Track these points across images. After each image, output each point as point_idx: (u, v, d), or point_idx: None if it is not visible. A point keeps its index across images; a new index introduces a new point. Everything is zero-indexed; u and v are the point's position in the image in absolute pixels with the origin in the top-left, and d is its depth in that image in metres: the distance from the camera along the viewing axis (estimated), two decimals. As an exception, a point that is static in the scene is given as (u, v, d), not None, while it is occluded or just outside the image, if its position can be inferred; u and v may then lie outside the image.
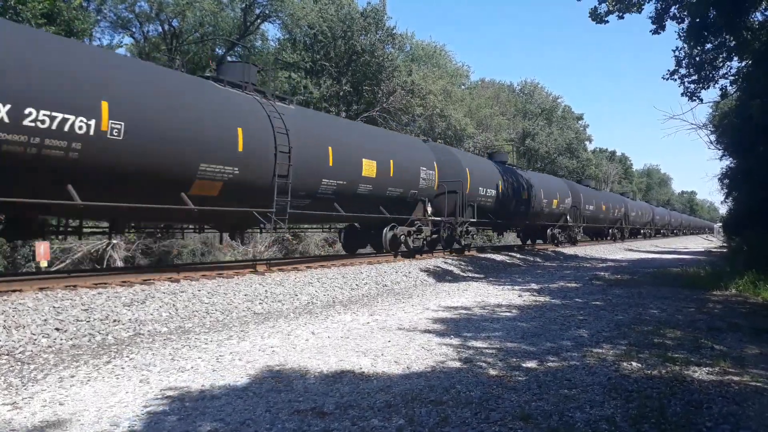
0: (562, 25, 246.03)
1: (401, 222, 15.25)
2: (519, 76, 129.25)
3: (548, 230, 26.67)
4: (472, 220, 17.95)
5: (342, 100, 26.19)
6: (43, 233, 9.16)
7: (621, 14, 14.86)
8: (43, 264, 8.23)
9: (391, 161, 14.09)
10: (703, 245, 45.59)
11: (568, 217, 28.07)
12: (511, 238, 32.50)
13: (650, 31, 15.08)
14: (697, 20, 13.48)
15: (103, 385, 4.72)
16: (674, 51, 15.83)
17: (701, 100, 16.23)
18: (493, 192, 19.63)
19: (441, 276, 14.00)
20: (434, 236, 16.90)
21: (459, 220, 17.32)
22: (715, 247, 37.76)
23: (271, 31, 54.05)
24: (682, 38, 15.35)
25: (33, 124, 6.88)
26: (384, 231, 14.75)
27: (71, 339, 6.14)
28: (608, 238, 38.35)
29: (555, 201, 25.68)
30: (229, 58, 26.61)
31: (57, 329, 6.22)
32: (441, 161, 17.04)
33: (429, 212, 15.74)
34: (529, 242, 27.79)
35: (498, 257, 19.24)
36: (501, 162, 22.78)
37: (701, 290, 11.60)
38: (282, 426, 3.77)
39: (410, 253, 15.75)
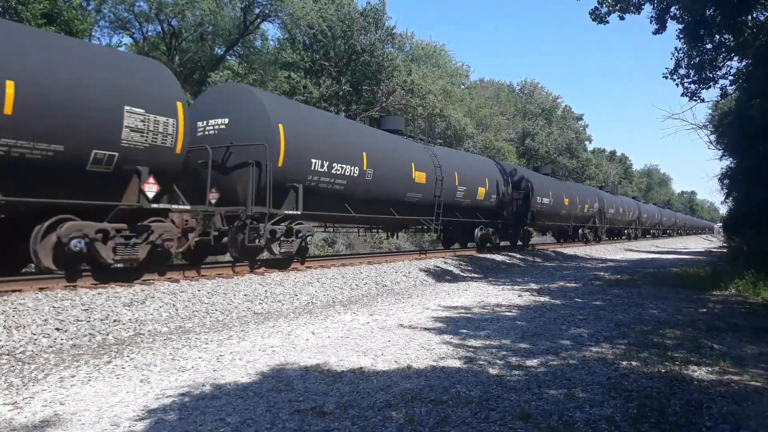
0: (562, 25, 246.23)
1: (91, 214, 8.02)
2: (519, 76, 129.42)
3: (476, 230, 19.71)
4: (293, 212, 11.05)
5: (341, 99, 26.19)
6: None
7: (621, 14, 14.89)
8: (43, 264, 8.21)
9: (8, 83, 6.73)
10: (703, 245, 45.63)
11: (505, 213, 21.17)
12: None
13: (652, 32, 15.11)
14: (697, 20, 13.50)
15: (104, 384, 4.72)
16: (673, 53, 15.86)
17: (702, 100, 16.28)
18: (353, 170, 12.58)
19: (440, 276, 14.01)
20: (222, 237, 10.38)
21: (253, 211, 10.22)
22: (715, 248, 37.79)
23: (271, 30, 54.08)
24: (681, 39, 15.38)
25: None
26: (34, 232, 7.57)
27: (71, 339, 6.14)
28: (578, 240, 31.80)
29: (482, 189, 18.89)
30: (229, 58, 26.67)
31: (57, 329, 6.22)
32: (207, 103, 11.25)
33: (150, 194, 8.54)
34: (456, 246, 21.29)
35: (498, 257, 19.24)
36: (395, 130, 16.14)
37: (701, 290, 11.61)
38: (282, 426, 3.78)
39: (125, 274, 8.81)
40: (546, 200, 25.19)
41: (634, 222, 44.51)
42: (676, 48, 15.91)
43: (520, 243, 23.34)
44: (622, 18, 14.96)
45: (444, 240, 21.59)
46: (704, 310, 9.07)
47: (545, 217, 25.62)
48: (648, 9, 14.86)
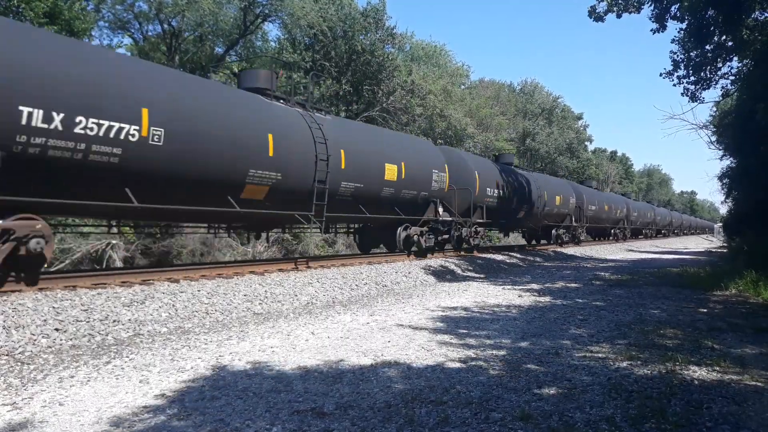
0: (563, 24, 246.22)
1: None
2: (519, 76, 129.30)
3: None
4: None
5: (342, 99, 26.18)
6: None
7: (619, 13, 14.94)
8: (43, 264, 8.20)
9: None
10: (703, 245, 45.61)
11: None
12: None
13: (651, 30, 15.15)
14: (696, 20, 13.51)
15: (103, 385, 4.71)
16: (672, 53, 15.86)
17: (702, 100, 16.29)
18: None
19: (441, 276, 14.00)
20: None
21: None
22: (716, 248, 37.78)
23: (272, 31, 54.11)
24: (678, 42, 15.42)
25: None
26: None
27: (71, 339, 6.14)
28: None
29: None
30: (228, 58, 26.67)
31: (57, 329, 6.21)
32: None
33: None
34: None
35: (498, 257, 19.23)
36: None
37: (701, 290, 11.60)
38: (282, 426, 3.77)
39: None
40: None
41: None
42: (671, 51, 15.88)
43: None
44: (618, 16, 15.03)
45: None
46: (705, 310, 9.05)
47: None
48: (648, 9, 14.89)
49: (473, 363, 5.42)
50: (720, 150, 25.45)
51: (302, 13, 24.40)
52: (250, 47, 26.79)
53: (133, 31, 25.73)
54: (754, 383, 4.79)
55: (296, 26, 25.40)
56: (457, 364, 5.37)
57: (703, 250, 36.06)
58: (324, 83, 24.52)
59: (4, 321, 6.06)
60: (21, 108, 6.85)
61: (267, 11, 24.79)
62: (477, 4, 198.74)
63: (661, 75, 16.16)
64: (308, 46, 26.23)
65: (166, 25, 24.48)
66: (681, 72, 15.68)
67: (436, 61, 36.75)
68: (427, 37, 68.80)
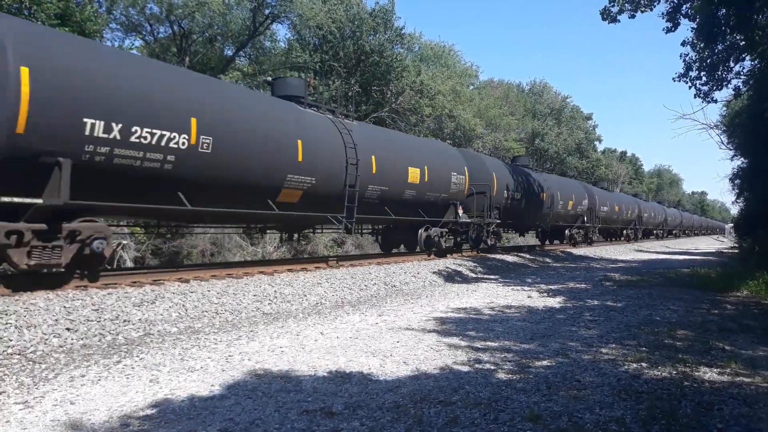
0: (572, 24, 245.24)
1: None
2: (528, 76, 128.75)
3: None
4: None
5: (351, 100, 26.20)
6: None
7: (632, 13, 14.83)
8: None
9: None
10: (714, 246, 45.27)
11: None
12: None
13: (663, 29, 15.03)
14: (707, 19, 13.39)
15: (114, 384, 4.75)
16: (683, 55, 15.70)
17: (715, 101, 16.10)
18: None
19: (450, 276, 13.98)
20: None
21: None
22: (727, 248, 37.49)
23: (281, 32, 54.26)
24: (690, 43, 15.28)
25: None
26: None
27: (82, 339, 6.18)
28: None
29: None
30: (238, 59, 26.76)
31: (68, 329, 6.26)
32: None
33: None
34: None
35: (508, 258, 19.17)
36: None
37: (712, 291, 11.52)
38: (291, 426, 3.78)
39: None
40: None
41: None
42: (681, 54, 15.67)
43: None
44: (632, 17, 14.89)
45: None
46: (716, 311, 8.99)
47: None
48: (660, 7, 14.77)
49: (482, 364, 5.42)
50: (731, 150, 25.26)
51: (311, 14, 24.45)
52: (260, 48, 26.85)
53: (144, 33, 25.88)
54: (765, 385, 4.76)
55: (305, 27, 25.46)
56: (466, 365, 5.37)
57: (714, 250, 35.81)
58: (333, 84, 24.55)
59: (16, 320, 6.11)
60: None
61: (276, 12, 24.84)
62: (486, 4, 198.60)
63: (673, 80, 16.01)
64: (317, 47, 26.28)
65: (176, 27, 24.60)
66: (693, 73, 15.54)
67: (445, 61, 36.69)
68: (436, 38, 68.73)
